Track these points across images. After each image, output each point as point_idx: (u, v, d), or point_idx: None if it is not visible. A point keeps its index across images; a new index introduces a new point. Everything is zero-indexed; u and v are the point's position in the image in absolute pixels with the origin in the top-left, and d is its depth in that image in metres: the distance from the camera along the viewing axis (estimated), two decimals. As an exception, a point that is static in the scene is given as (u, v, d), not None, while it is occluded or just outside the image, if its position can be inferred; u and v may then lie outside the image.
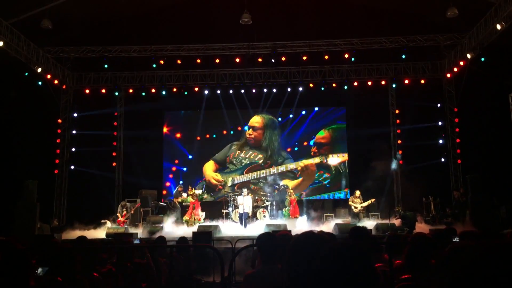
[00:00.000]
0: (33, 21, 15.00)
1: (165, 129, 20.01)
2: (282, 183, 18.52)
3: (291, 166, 19.41)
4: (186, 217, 15.48)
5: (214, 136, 19.81)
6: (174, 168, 19.83)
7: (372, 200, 15.71)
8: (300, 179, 19.32)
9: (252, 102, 19.51)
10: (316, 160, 19.01)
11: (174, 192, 18.13)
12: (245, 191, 16.36)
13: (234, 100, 19.36)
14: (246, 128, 19.82)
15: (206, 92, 19.11)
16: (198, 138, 19.63)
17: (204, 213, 15.98)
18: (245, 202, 15.75)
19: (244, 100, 19.34)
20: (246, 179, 19.29)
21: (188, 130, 19.88)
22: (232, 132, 19.86)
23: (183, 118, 20.48)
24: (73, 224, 15.70)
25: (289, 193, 16.41)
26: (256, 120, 19.82)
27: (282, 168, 19.36)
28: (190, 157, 19.67)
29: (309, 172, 19.36)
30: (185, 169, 19.72)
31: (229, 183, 18.76)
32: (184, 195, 16.94)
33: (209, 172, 19.35)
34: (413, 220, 13.57)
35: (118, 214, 15.74)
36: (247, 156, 19.58)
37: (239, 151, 19.64)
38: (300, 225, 14.80)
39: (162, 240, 7.69)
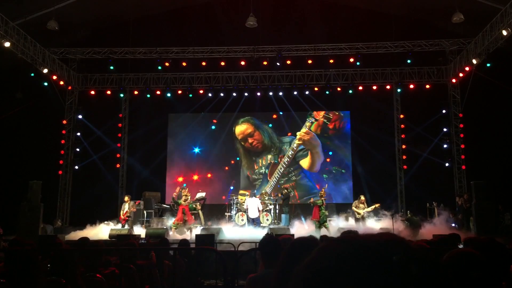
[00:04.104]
0: (40, 22, 15.08)
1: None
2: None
3: (294, 144, 19.51)
4: (176, 222, 14.16)
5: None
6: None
7: (377, 205, 15.34)
8: (308, 152, 19.43)
9: (257, 105, 19.52)
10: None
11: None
12: (253, 193, 16.29)
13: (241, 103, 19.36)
14: (239, 146, 19.75)
15: (210, 94, 19.14)
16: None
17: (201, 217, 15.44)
18: (251, 204, 15.60)
19: (248, 103, 19.34)
20: (274, 183, 19.29)
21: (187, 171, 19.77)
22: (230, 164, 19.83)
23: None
24: (76, 225, 15.74)
25: (321, 200, 14.34)
26: (245, 128, 19.91)
27: (290, 153, 19.44)
28: None
29: (309, 140, 19.45)
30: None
31: (266, 198, 16.99)
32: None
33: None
34: (417, 226, 13.49)
35: (121, 212, 15.29)
36: (260, 165, 19.65)
37: (250, 170, 19.60)
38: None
39: (165, 242, 7.66)
